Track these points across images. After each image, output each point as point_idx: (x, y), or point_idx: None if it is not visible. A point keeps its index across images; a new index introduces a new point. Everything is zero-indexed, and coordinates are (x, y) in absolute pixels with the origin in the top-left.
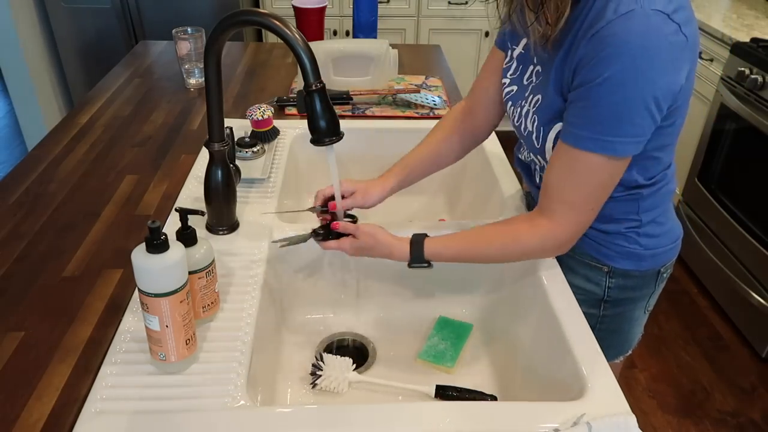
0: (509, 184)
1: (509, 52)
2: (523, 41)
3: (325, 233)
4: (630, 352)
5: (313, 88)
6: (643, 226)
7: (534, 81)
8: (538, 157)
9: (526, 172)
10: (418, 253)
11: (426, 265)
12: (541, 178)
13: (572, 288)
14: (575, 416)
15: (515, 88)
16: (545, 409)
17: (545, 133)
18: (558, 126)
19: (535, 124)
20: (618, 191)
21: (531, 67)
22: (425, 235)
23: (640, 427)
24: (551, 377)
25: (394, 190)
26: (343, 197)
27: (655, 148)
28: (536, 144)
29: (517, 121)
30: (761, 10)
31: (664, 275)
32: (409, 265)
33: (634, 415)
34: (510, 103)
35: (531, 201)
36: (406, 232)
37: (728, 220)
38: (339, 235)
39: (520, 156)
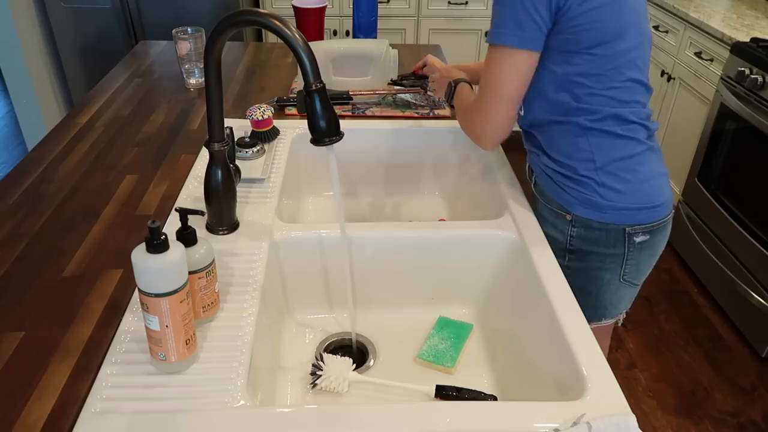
0: (509, 184)
1: None
2: None
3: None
4: (605, 321)
5: (313, 88)
6: (601, 174)
7: None
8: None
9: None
10: (456, 81)
11: (451, 88)
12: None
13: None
14: (575, 416)
15: None
16: (545, 409)
17: None
18: None
19: None
20: (559, 114)
21: None
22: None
23: (640, 427)
24: (551, 377)
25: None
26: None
27: (576, 73)
28: None
29: None
30: (761, 10)
31: (636, 240)
32: (447, 88)
33: (634, 415)
34: None
35: (530, 173)
36: (405, 233)
37: (728, 220)
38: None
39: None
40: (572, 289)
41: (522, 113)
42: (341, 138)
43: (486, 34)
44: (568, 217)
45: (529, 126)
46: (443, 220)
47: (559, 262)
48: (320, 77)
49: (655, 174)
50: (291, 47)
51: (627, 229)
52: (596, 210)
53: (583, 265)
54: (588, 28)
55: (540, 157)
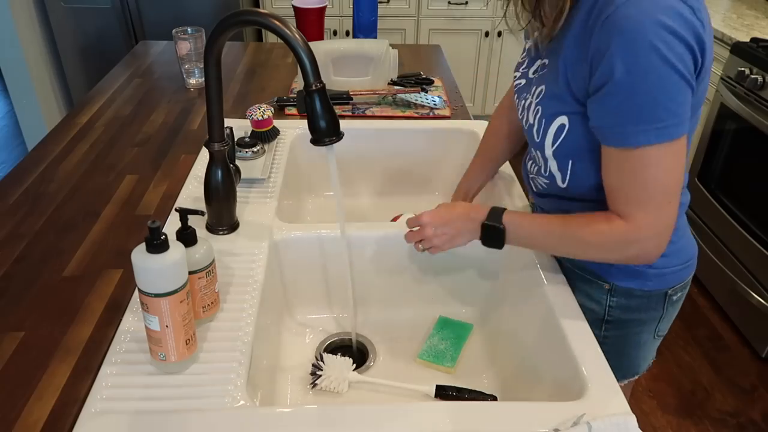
0: (509, 184)
1: (524, 47)
2: (536, 35)
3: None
4: (637, 376)
5: (313, 88)
6: None
7: (539, 73)
8: (538, 152)
9: (529, 183)
10: (495, 213)
11: (501, 227)
12: (538, 184)
13: None
14: (575, 416)
15: (523, 81)
16: (545, 409)
17: (546, 126)
18: (561, 120)
19: (537, 116)
20: None
21: (538, 61)
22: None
23: (640, 427)
24: (551, 377)
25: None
26: None
27: None
28: (536, 137)
29: (521, 114)
30: (761, 10)
31: (674, 298)
32: (486, 222)
33: (634, 415)
34: (517, 95)
35: (536, 212)
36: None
37: (728, 220)
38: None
39: (525, 166)
40: (608, 358)
41: (562, 185)
42: (341, 138)
43: (486, 34)
44: (606, 287)
45: (568, 195)
46: (397, 218)
47: (593, 333)
48: (320, 77)
49: (687, 227)
50: (291, 47)
51: (668, 291)
52: (642, 279)
53: (621, 333)
54: (697, 96)
55: None
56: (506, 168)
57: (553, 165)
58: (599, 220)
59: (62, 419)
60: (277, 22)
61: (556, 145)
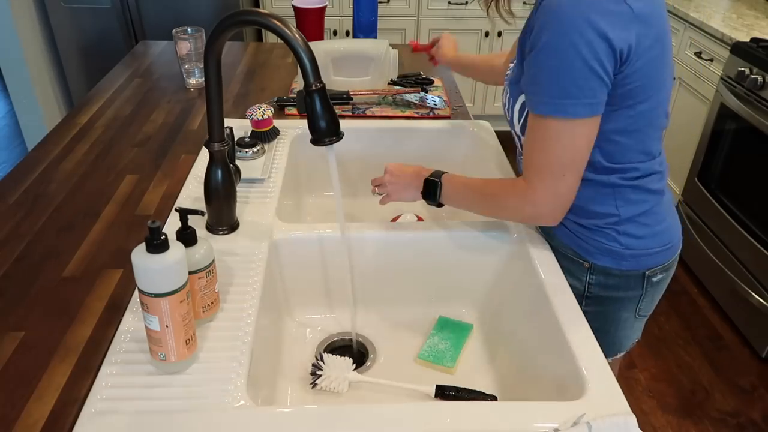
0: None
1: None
2: None
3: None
4: (620, 354)
5: (313, 88)
6: (623, 224)
7: (513, 61)
8: (512, 131)
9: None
10: (436, 174)
11: (436, 185)
12: (520, 166)
13: None
14: (575, 416)
15: (509, 72)
16: (545, 409)
17: (512, 105)
18: (522, 98)
19: (507, 95)
20: (588, 172)
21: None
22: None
23: (640, 427)
24: (551, 377)
25: (455, 60)
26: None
27: (613, 130)
28: (507, 116)
29: (503, 100)
30: (761, 10)
31: (653, 279)
32: (424, 188)
33: (634, 415)
34: (504, 85)
35: None
36: (405, 233)
37: (728, 220)
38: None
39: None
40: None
41: None
42: (341, 138)
43: (486, 34)
44: (586, 265)
45: None
46: (396, 218)
47: None
48: (320, 77)
49: (669, 212)
50: (291, 47)
51: (646, 272)
52: (617, 258)
53: (600, 309)
54: (637, 84)
55: None
56: (501, 154)
57: (523, 141)
58: (509, 182)
59: (62, 419)
60: (277, 22)
61: (521, 122)
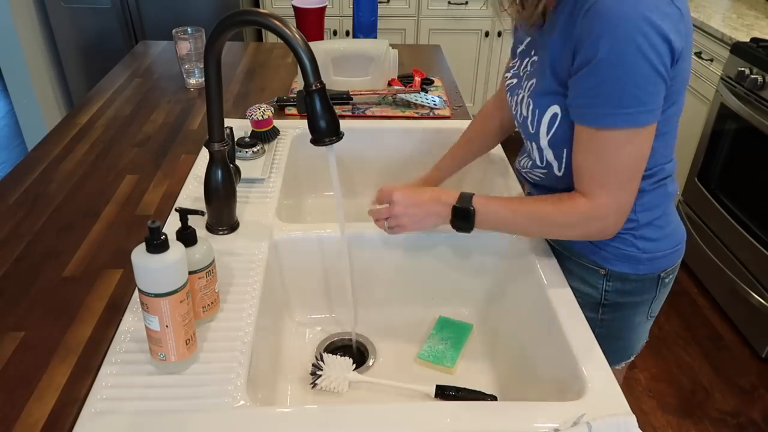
0: (509, 184)
1: (515, 52)
2: (527, 39)
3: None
4: (632, 358)
5: (313, 88)
6: (640, 228)
7: (529, 69)
8: (533, 144)
9: (524, 179)
10: (465, 197)
11: (471, 209)
12: (533, 177)
13: None
14: (575, 416)
15: (515, 80)
16: (545, 409)
17: (539, 117)
18: (553, 109)
19: (530, 108)
20: None
21: (527, 59)
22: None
23: (640, 427)
24: (551, 377)
25: (441, 179)
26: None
27: None
28: (531, 129)
29: (514, 110)
30: (761, 10)
31: (666, 280)
32: (456, 205)
33: (634, 415)
34: (509, 94)
35: None
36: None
37: (728, 220)
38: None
39: (518, 165)
40: (601, 339)
41: (558, 173)
42: (341, 138)
43: (486, 34)
44: (602, 272)
45: (564, 183)
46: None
47: (590, 317)
48: (320, 77)
49: (675, 212)
50: (291, 47)
51: (661, 274)
52: (634, 263)
53: (617, 316)
54: (674, 87)
55: None
56: (501, 155)
57: (549, 154)
58: (564, 199)
59: (62, 419)
60: (277, 22)
61: (550, 134)
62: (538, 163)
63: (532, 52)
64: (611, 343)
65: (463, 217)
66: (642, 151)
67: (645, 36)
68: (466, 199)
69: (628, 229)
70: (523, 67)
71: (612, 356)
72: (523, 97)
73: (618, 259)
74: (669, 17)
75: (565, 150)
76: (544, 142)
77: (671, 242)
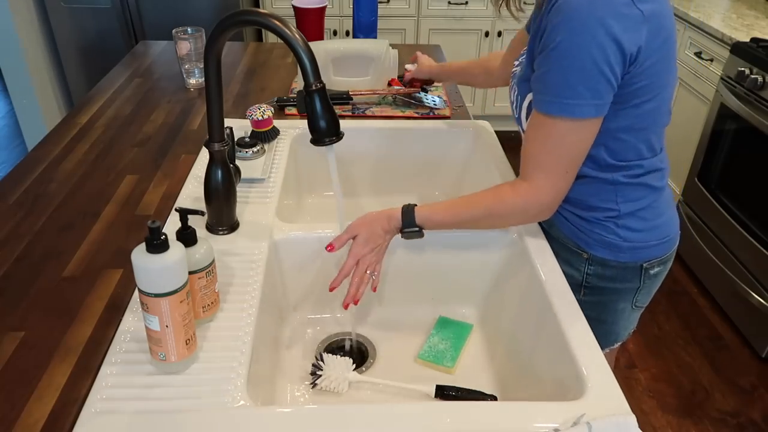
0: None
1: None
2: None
3: None
4: (617, 344)
5: (313, 88)
6: (622, 218)
7: (521, 58)
8: (519, 128)
9: None
10: (408, 217)
11: (417, 230)
12: None
13: None
14: (575, 416)
15: (518, 69)
16: (545, 409)
17: (520, 102)
18: (530, 96)
19: (515, 93)
20: (592, 169)
21: (525, 48)
22: (414, 205)
23: (640, 427)
24: (551, 377)
25: (438, 68)
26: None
27: (619, 128)
28: (515, 113)
29: (510, 96)
30: (761, 10)
31: (651, 272)
32: (402, 231)
33: (634, 415)
34: (512, 80)
35: None
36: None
37: (728, 220)
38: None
39: None
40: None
41: None
42: (341, 138)
43: (486, 34)
44: (585, 256)
45: None
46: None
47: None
48: (320, 77)
49: (668, 206)
50: (291, 47)
51: (644, 264)
52: (615, 251)
53: (598, 299)
54: (644, 83)
55: None
56: (501, 155)
57: (525, 138)
58: (504, 188)
59: (62, 419)
60: (277, 22)
61: (528, 120)
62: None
63: (529, 40)
64: (594, 326)
65: (413, 236)
66: (583, 142)
67: (592, 35)
68: (409, 220)
69: (610, 217)
70: (522, 57)
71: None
72: (513, 85)
73: (599, 245)
74: (626, 18)
75: None
76: (525, 126)
77: (657, 234)
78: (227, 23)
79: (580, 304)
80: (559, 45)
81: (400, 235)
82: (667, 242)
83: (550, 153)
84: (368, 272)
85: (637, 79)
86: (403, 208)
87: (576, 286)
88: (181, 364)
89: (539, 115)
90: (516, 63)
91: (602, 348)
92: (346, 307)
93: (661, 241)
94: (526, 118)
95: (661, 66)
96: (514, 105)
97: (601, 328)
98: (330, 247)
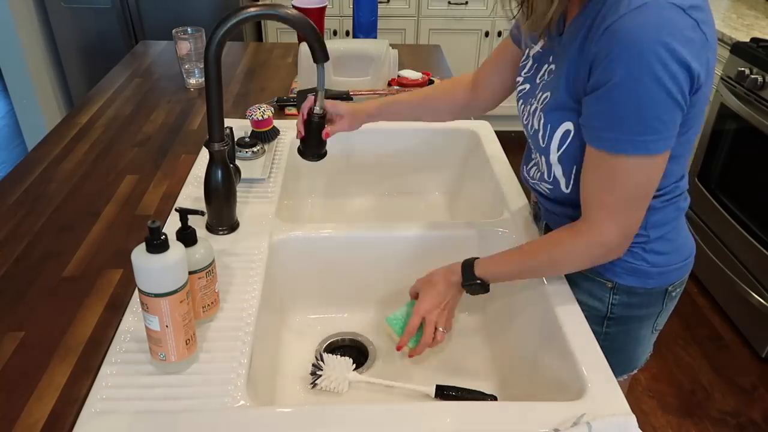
0: (509, 184)
1: (527, 51)
2: (541, 43)
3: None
4: (635, 370)
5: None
6: (651, 242)
7: (546, 79)
8: (543, 158)
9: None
10: (468, 271)
11: (479, 282)
12: (541, 189)
13: None
14: (575, 416)
15: (528, 86)
16: (545, 409)
17: (551, 132)
18: (566, 125)
19: (542, 121)
20: None
21: (546, 66)
22: (476, 258)
23: (640, 427)
24: (551, 377)
25: (374, 117)
26: (329, 119)
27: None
28: (541, 143)
29: (525, 120)
30: (761, 10)
31: (673, 294)
32: (464, 285)
33: (634, 415)
34: (521, 101)
35: (539, 211)
36: (405, 233)
37: (728, 220)
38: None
39: (525, 173)
40: (605, 352)
41: (566, 190)
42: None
43: (486, 34)
44: (609, 285)
45: (571, 200)
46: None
47: (595, 330)
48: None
49: (684, 226)
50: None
51: (669, 287)
52: (643, 277)
53: (622, 329)
54: (696, 110)
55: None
56: (501, 155)
57: (557, 170)
58: (562, 234)
59: (62, 419)
60: (278, 10)
61: (561, 151)
62: (546, 177)
63: (550, 59)
64: (614, 356)
65: (476, 291)
66: (652, 178)
67: (662, 63)
68: (469, 274)
69: (638, 243)
70: (540, 74)
71: (615, 368)
72: (536, 109)
73: (627, 273)
74: (692, 43)
75: (574, 167)
76: (553, 157)
77: (681, 255)
78: (227, 22)
79: (601, 337)
80: (625, 78)
81: (465, 291)
82: (689, 262)
83: (614, 191)
84: (439, 329)
85: (691, 107)
86: (463, 262)
87: (599, 319)
88: (181, 364)
89: (601, 154)
90: (520, 79)
91: (620, 375)
92: (398, 348)
93: (684, 261)
94: (558, 149)
95: (706, 93)
96: (541, 134)
97: (622, 357)
98: (398, 348)
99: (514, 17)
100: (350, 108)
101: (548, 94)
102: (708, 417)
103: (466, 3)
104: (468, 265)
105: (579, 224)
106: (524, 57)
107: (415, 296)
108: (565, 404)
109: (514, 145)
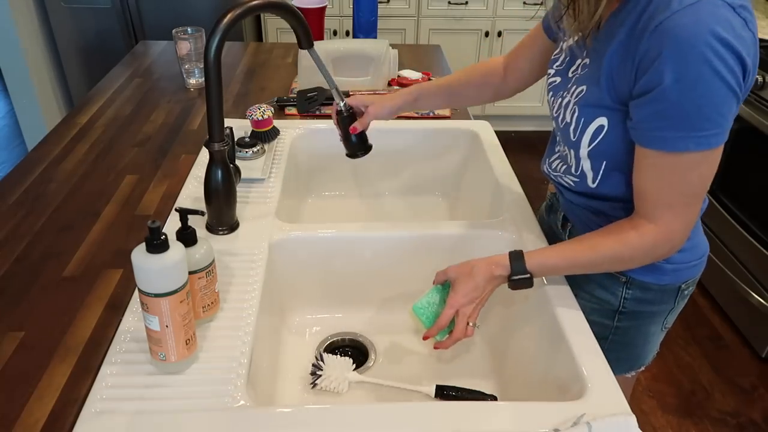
0: (509, 184)
1: (561, 44)
2: (576, 37)
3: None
4: (642, 368)
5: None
6: None
7: (579, 73)
8: (571, 151)
9: (554, 180)
10: (518, 263)
11: (527, 276)
12: (564, 182)
13: (586, 297)
14: (575, 416)
15: (559, 79)
16: (545, 409)
17: (585, 126)
18: (600, 120)
19: (575, 115)
20: None
21: (579, 60)
22: (521, 251)
23: (640, 427)
24: (551, 377)
25: (402, 108)
26: (355, 112)
27: None
28: (572, 136)
29: (555, 112)
30: (761, 10)
31: (686, 292)
32: (510, 279)
33: (634, 415)
34: (551, 93)
35: (555, 202)
36: (405, 233)
37: (728, 220)
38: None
39: (547, 166)
40: (614, 345)
41: (592, 184)
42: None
43: (486, 34)
44: (623, 279)
45: (596, 194)
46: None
47: (605, 323)
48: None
49: (699, 223)
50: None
51: (682, 285)
52: (659, 273)
53: (632, 324)
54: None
55: (595, 218)
56: (501, 155)
57: (586, 164)
58: (626, 230)
59: (62, 419)
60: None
61: (592, 146)
62: (573, 171)
63: (584, 54)
64: (623, 352)
65: (523, 284)
66: (711, 170)
67: (720, 56)
68: (519, 266)
69: None
70: (573, 68)
71: (622, 364)
72: (569, 102)
73: (642, 268)
74: (743, 40)
75: (604, 163)
76: (584, 151)
77: (697, 253)
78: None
79: (611, 331)
80: (682, 76)
81: (507, 284)
82: (704, 260)
83: (678, 189)
84: (470, 324)
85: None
86: (510, 254)
87: (610, 312)
88: (181, 364)
89: (658, 152)
90: (551, 71)
91: (627, 371)
92: (425, 338)
93: (699, 259)
94: (589, 144)
95: (749, 87)
96: (572, 127)
97: (631, 353)
98: (425, 338)
99: (559, 19)
100: (375, 99)
101: (583, 87)
102: (708, 417)
103: (466, 3)
104: (517, 257)
105: (644, 224)
106: (557, 50)
107: (441, 282)
108: (565, 404)
109: (514, 145)
